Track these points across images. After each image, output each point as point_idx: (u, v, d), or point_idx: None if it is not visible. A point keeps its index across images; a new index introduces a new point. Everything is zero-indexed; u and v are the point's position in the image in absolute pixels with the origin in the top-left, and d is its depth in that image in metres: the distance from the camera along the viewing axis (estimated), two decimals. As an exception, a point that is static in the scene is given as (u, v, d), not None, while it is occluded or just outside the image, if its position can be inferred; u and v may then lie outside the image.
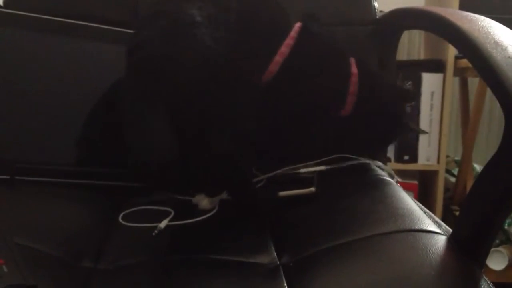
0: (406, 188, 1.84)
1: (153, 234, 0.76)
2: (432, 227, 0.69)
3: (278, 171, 0.94)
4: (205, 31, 0.78)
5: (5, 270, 0.55)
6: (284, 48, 0.86)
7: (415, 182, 1.90)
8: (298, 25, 0.89)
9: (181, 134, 0.76)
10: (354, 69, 0.90)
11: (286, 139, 0.93)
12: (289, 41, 0.87)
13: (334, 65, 0.91)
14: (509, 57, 0.61)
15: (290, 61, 0.86)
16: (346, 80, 0.90)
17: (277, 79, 0.86)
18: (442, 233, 0.68)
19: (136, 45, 0.80)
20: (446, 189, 1.94)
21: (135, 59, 0.79)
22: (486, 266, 1.68)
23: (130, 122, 0.77)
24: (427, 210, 0.78)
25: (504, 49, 0.62)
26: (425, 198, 1.91)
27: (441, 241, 0.65)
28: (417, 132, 0.99)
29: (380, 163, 0.97)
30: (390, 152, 1.78)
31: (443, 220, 0.75)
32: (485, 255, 0.64)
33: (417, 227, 0.69)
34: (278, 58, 0.86)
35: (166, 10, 0.81)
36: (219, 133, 0.80)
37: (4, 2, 1.04)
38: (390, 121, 0.96)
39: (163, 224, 0.77)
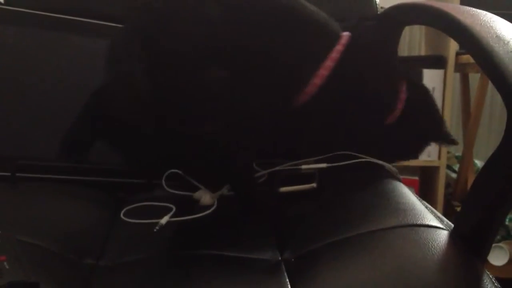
0: (407, 184, 1.84)
1: (154, 230, 0.76)
2: (434, 222, 0.69)
3: (279, 167, 0.94)
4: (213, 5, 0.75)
5: (7, 267, 0.55)
6: (324, 71, 0.81)
7: (416, 178, 1.90)
8: (346, 35, 0.84)
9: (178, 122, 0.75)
10: (403, 95, 0.90)
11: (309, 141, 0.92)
12: (329, 63, 0.81)
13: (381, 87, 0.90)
14: (511, 51, 0.60)
15: (332, 83, 0.81)
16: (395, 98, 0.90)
17: (314, 102, 0.82)
18: (444, 228, 0.68)
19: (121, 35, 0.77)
20: (447, 185, 1.94)
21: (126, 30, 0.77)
22: (487, 261, 1.68)
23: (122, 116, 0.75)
24: (429, 205, 0.78)
25: (506, 43, 0.62)
26: (426, 194, 1.91)
27: (443, 235, 0.65)
28: (453, 143, 0.99)
29: (383, 162, 0.96)
30: (391, 148, 1.77)
31: (444, 215, 0.75)
32: (487, 250, 0.64)
33: (419, 222, 0.69)
34: (317, 81, 0.80)
35: None
36: (215, 120, 0.77)
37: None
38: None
39: (164, 220, 0.77)
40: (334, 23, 0.86)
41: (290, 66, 0.80)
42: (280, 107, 0.82)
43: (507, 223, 1.78)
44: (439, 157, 1.80)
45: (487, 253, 0.64)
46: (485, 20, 0.67)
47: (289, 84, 0.81)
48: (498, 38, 0.62)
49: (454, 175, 2.03)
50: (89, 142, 0.83)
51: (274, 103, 0.80)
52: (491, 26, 0.65)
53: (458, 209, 1.88)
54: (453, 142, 0.96)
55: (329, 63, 0.82)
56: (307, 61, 0.81)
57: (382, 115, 0.90)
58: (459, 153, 2.09)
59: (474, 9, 0.73)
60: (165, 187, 0.88)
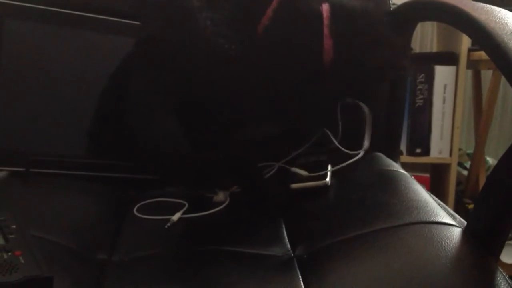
0: (418, 181, 1.82)
1: (166, 227, 0.76)
2: (447, 219, 0.69)
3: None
4: (205, 15, 0.79)
5: (22, 261, 0.55)
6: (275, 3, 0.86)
7: (427, 175, 1.90)
8: None
9: (191, 125, 0.77)
10: (325, 13, 0.89)
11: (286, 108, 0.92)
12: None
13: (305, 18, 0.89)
14: (526, 48, 0.60)
15: (278, 14, 0.85)
16: (318, 24, 0.88)
17: (268, 32, 0.85)
18: (457, 225, 0.68)
19: (143, 38, 0.82)
20: (458, 182, 1.94)
21: (143, 53, 0.80)
22: (499, 259, 1.67)
23: (140, 115, 0.78)
24: (442, 203, 0.78)
25: (521, 40, 0.61)
26: (437, 191, 1.91)
27: (456, 233, 0.65)
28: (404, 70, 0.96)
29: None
30: (402, 145, 1.77)
31: (455, 212, 0.75)
32: (500, 247, 0.64)
33: (432, 219, 0.69)
34: (268, 11, 0.85)
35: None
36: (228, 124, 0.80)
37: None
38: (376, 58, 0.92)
39: (176, 216, 0.77)
40: None
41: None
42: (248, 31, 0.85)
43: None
44: (450, 154, 1.79)
45: (500, 251, 0.64)
46: (499, 16, 0.67)
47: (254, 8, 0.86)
48: (513, 34, 0.62)
49: (465, 172, 2.02)
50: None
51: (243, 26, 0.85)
52: (506, 23, 0.65)
53: (469, 206, 1.88)
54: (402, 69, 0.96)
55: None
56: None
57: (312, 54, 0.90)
58: (470, 150, 2.08)
59: (488, 5, 0.72)
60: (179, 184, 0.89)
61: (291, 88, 0.88)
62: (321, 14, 0.87)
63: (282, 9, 0.86)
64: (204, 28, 0.79)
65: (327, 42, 0.87)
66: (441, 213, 0.71)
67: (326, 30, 0.87)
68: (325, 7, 0.88)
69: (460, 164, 2.05)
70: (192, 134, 0.81)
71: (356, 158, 0.93)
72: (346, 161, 0.93)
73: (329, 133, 0.96)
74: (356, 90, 0.97)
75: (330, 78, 0.89)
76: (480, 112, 1.96)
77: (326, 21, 0.87)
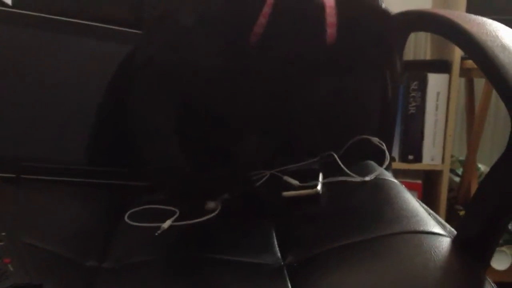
0: (411, 187, 1.84)
1: (156, 234, 0.76)
2: (437, 228, 0.70)
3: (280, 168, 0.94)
4: (200, 32, 0.80)
5: (11, 269, 0.55)
6: (267, 8, 0.84)
7: (420, 181, 1.90)
8: None
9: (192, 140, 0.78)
10: (329, 3, 0.89)
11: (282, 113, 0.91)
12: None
13: (307, 7, 0.88)
14: (516, 61, 0.60)
15: (273, 18, 0.84)
16: (320, 14, 0.86)
17: (264, 41, 0.84)
18: (447, 234, 0.68)
19: (142, 61, 0.83)
20: (450, 189, 1.94)
21: (143, 75, 0.82)
22: (489, 266, 1.68)
23: (142, 132, 0.80)
24: (432, 212, 0.78)
25: (512, 53, 0.62)
26: (429, 197, 1.91)
27: (445, 242, 0.66)
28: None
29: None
30: (395, 151, 1.78)
31: (447, 219, 0.75)
32: (490, 256, 0.64)
33: (421, 229, 0.69)
34: (262, 19, 0.84)
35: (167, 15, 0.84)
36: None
37: (13, 2, 1.05)
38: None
39: (166, 224, 0.77)
40: None
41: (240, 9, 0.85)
42: (238, 44, 0.85)
43: (510, 227, 1.78)
44: (442, 161, 1.80)
45: (489, 259, 0.64)
46: (491, 29, 0.67)
47: (243, 19, 0.85)
48: (504, 47, 0.62)
49: (457, 179, 2.03)
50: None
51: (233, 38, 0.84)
52: (497, 36, 0.65)
53: (461, 213, 1.88)
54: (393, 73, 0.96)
55: (269, 1, 0.84)
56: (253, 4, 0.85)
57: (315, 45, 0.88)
58: (462, 157, 2.09)
59: (480, 17, 0.73)
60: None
61: (290, 87, 0.89)
62: (323, 5, 0.87)
63: (277, 11, 0.86)
64: (199, 46, 0.79)
65: (330, 31, 0.86)
66: (431, 223, 0.71)
67: (330, 18, 0.86)
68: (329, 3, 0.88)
69: (452, 171, 2.06)
70: (190, 149, 0.82)
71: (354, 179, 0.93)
72: (338, 169, 0.93)
73: (335, 155, 0.96)
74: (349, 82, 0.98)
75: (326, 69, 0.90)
76: (473, 120, 1.97)
77: (329, 10, 0.86)
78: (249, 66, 0.83)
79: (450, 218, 1.85)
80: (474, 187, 1.91)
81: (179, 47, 0.80)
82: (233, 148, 0.85)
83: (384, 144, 1.00)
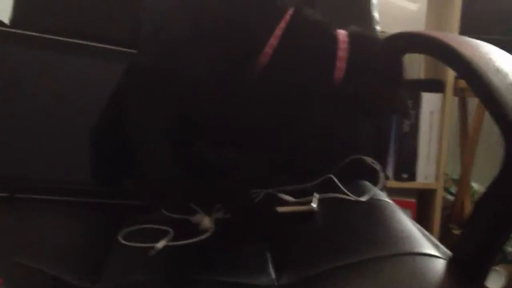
0: (405, 206, 1.84)
1: (149, 255, 0.75)
2: (431, 250, 0.70)
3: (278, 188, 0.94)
4: (194, 46, 0.80)
5: (4, 289, 0.55)
6: (274, 40, 0.84)
7: (413, 200, 1.90)
8: (289, 12, 0.86)
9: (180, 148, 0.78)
10: (342, 38, 0.89)
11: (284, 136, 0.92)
12: (278, 31, 0.85)
13: (320, 37, 0.88)
14: (510, 84, 0.61)
15: (280, 50, 0.84)
16: (332, 47, 0.87)
17: (267, 70, 0.84)
18: (441, 256, 0.68)
19: (133, 67, 0.84)
20: (444, 207, 1.95)
21: (133, 81, 0.82)
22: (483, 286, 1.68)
23: (131, 138, 0.79)
24: (426, 233, 0.78)
25: (505, 76, 0.62)
26: (423, 216, 1.91)
27: (440, 264, 0.66)
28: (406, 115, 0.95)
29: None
30: (389, 170, 1.78)
31: (441, 238, 0.75)
32: (485, 277, 0.64)
33: (416, 250, 0.69)
34: (268, 50, 0.84)
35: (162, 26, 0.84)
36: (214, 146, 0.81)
37: (10, 21, 1.05)
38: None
39: (160, 244, 0.77)
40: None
41: (249, 30, 0.85)
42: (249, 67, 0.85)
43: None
44: (436, 180, 1.80)
45: (484, 280, 0.65)
46: (484, 52, 0.68)
47: (249, 47, 0.85)
48: (497, 70, 0.63)
49: (451, 198, 2.03)
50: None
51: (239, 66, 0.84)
52: (491, 58, 0.66)
53: (455, 231, 1.88)
54: (406, 114, 0.95)
55: (277, 32, 0.85)
56: (261, 28, 0.85)
57: (323, 76, 0.88)
58: (456, 176, 2.09)
59: (474, 40, 0.74)
60: (163, 210, 0.88)
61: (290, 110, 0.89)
62: (335, 38, 0.88)
63: (286, 41, 0.85)
64: (193, 59, 0.80)
65: (340, 65, 0.87)
66: (426, 244, 0.71)
67: (341, 53, 0.87)
68: (342, 32, 0.89)
69: (446, 190, 2.06)
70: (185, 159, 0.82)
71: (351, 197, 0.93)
72: (333, 188, 0.94)
73: (335, 178, 0.96)
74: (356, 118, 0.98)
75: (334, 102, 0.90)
76: (466, 139, 1.98)
77: (341, 45, 0.87)
78: (248, 86, 0.83)
79: (444, 237, 1.85)
80: (468, 206, 1.91)
81: (172, 58, 0.80)
82: (228, 163, 0.85)
83: (378, 164, 1.00)
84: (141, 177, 0.84)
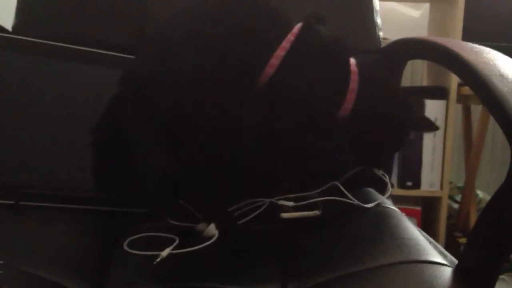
0: (409, 214, 1.84)
1: (154, 263, 0.75)
2: (438, 258, 0.69)
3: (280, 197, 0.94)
4: (190, 53, 0.79)
5: (10, 298, 0.55)
6: (281, 51, 0.82)
7: (418, 208, 1.90)
8: (298, 25, 0.85)
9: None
10: (353, 68, 0.88)
11: (287, 153, 0.87)
12: (286, 44, 0.82)
13: (333, 63, 0.86)
14: (514, 89, 0.61)
15: (288, 62, 0.81)
16: (345, 77, 0.85)
17: (273, 83, 0.81)
18: (448, 264, 0.68)
19: (126, 74, 0.84)
20: (449, 216, 1.94)
21: (124, 89, 0.83)
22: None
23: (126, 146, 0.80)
24: (433, 240, 0.78)
25: (510, 82, 0.62)
26: (428, 224, 1.91)
27: (447, 272, 0.65)
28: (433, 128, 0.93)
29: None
30: (393, 178, 1.78)
31: (446, 246, 0.75)
32: (492, 286, 0.64)
33: (422, 258, 0.69)
34: (274, 61, 0.81)
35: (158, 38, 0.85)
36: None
37: (13, 28, 1.06)
38: (394, 126, 0.90)
39: (165, 252, 0.76)
40: (287, 14, 0.87)
41: (250, 47, 0.82)
42: (245, 86, 0.82)
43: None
44: (441, 188, 1.80)
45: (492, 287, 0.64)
46: (488, 57, 0.68)
47: (251, 63, 0.82)
48: (502, 76, 0.63)
49: (456, 206, 2.03)
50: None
51: (240, 82, 0.82)
52: (495, 64, 0.66)
53: (460, 240, 1.88)
54: (433, 126, 0.91)
55: (284, 44, 0.82)
56: (264, 44, 0.83)
57: (331, 107, 0.86)
58: (461, 184, 2.09)
59: (477, 45, 0.74)
60: (167, 218, 0.88)
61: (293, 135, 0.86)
62: (349, 67, 0.86)
63: (292, 59, 0.82)
64: (187, 67, 0.79)
65: (350, 96, 0.84)
66: (432, 252, 0.71)
67: (353, 84, 0.85)
68: (353, 61, 0.87)
69: (450, 198, 2.05)
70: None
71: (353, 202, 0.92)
72: (338, 195, 0.93)
73: (340, 186, 0.95)
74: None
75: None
76: (470, 146, 1.97)
77: (353, 76, 0.85)
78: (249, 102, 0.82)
79: (449, 245, 1.85)
80: (473, 213, 1.90)
81: (169, 64, 0.79)
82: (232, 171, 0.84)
83: (387, 176, 0.99)
84: (140, 183, 0.84)
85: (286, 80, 0.82)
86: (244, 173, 0.84)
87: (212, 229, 0.83)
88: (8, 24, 1.06)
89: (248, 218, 0.87)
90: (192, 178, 0.81)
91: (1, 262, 0.62)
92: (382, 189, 1.02)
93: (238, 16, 0.84)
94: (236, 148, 0.81)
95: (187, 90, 0.78)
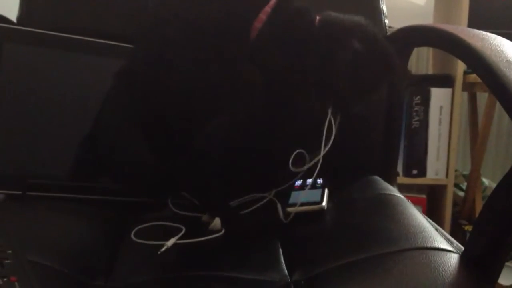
0: (415, 202, 1.83)
1: (159, 253, 0.75)
2: (444, 244, 0.69)
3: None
4: (184, 49, 0.81)
5: (18, 287, 0.55)
6: (263, 15, 0.85)
7: (424, 196, 1.90)
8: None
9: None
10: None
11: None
12: (268, 8, 0.85)
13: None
14: (521, 75, 0.61)
15: (265, 32, 0.85)
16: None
17: (256, 44, 0.85)
18: (454, 250, 0.68)
19: (122, 69, 0.86)
20: (455, 203, 1.94)
21: (119, 83, 0.85)
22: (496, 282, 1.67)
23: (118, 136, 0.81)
24: (439, 227, 0.78)
25: (517, 68, 0.62)
26: (433, 212, 1.91)
27: (453, 259, 0.65)
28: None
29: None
30: (399, 166, 1.78)
31: (451, 234, 0.75)
32: (498, 272, 0.64)
33: (429, 245, 0.69)
34: (257, 24, 0.85)
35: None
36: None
37: (17, 19, 1.06)
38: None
39: (170, 242, 0.77)
40: None
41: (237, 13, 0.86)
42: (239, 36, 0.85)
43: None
44: (446, 176, 1.80)
45: (497, 275, 0.64)
46: (495, 44, 0.68)
47: (244, 13, 0.86)
48: (509, 62, 0.63)
49: (461, 194, 2.02)
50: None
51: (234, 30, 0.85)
52: (502, 50, 0.66)
53: (466, 227, 1.88)
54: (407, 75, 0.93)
55: (267, 9, 0.85)
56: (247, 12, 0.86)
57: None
58: (466, 172, 2.08)
59: (484, 32, 0.73)
60: (172, 207, 0.88)
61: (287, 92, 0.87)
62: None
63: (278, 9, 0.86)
64: (185, 60, 0.80)
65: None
66: (438, 239, 0.71)
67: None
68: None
69: (456, 185, 2.05)
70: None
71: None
72: (343, 184, 0.93)
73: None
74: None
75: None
76: (476, 134, 1.97)
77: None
78: (246, 61, 0.83)
79: (455, 232, 1.85)
80: (478, 201, 1.90)
81: (165, 59, 0.81)
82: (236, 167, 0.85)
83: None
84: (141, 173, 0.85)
85: (267, 41, 0.85)
86: (250, 160, 0.85)
87: (217, 224, 0.83)
88: (13, 16, 1.05)
89: (249, 209, 0.88)
90: (199, 169, 0.82)
91: (9, 252, 0.63)
92: (386, 176, 1.02)
93: None
94: (242, 129, 0.82)
95: (189, 79, 0.80)
